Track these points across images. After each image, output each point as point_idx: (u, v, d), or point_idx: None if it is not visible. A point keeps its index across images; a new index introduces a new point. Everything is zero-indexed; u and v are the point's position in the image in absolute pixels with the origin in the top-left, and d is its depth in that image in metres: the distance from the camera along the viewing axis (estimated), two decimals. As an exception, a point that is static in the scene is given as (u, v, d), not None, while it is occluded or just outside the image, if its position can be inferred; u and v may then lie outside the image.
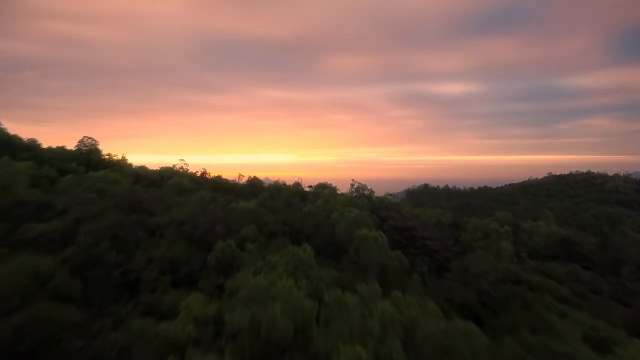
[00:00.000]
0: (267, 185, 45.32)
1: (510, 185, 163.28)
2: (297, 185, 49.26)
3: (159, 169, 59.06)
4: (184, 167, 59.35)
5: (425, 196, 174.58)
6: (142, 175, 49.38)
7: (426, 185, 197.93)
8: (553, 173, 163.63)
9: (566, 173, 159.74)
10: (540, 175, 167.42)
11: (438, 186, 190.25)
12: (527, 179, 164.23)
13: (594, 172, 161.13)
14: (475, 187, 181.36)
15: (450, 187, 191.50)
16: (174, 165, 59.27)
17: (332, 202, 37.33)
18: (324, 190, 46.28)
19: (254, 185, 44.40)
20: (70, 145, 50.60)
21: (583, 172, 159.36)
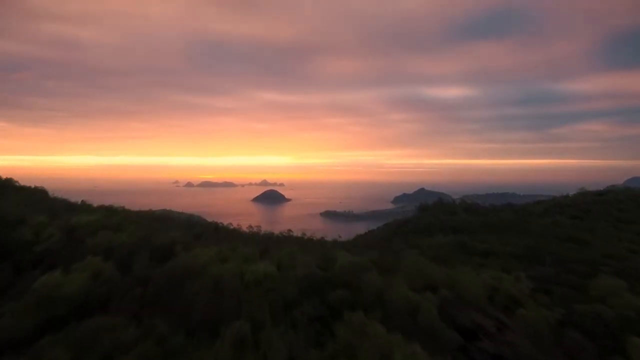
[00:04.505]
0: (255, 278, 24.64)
1: (540, 203, 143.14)
2: (311, 265, 29.12)
3: (104, 210, 38.88)
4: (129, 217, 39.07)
5: (441, 213, 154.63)
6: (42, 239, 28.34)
7: (440, 200, 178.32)
8: (586, 189, 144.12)
9: (602, 189, 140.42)
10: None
11: (454, 200, 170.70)
12: (557, 195, 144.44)
13: (632, 188, 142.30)
14: (498, 203, 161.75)
15: (464, 197, 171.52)
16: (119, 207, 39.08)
17: (384, 340, 17.08)
18: (363, 284, 25.48)
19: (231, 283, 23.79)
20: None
21: (621, 186, 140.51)
